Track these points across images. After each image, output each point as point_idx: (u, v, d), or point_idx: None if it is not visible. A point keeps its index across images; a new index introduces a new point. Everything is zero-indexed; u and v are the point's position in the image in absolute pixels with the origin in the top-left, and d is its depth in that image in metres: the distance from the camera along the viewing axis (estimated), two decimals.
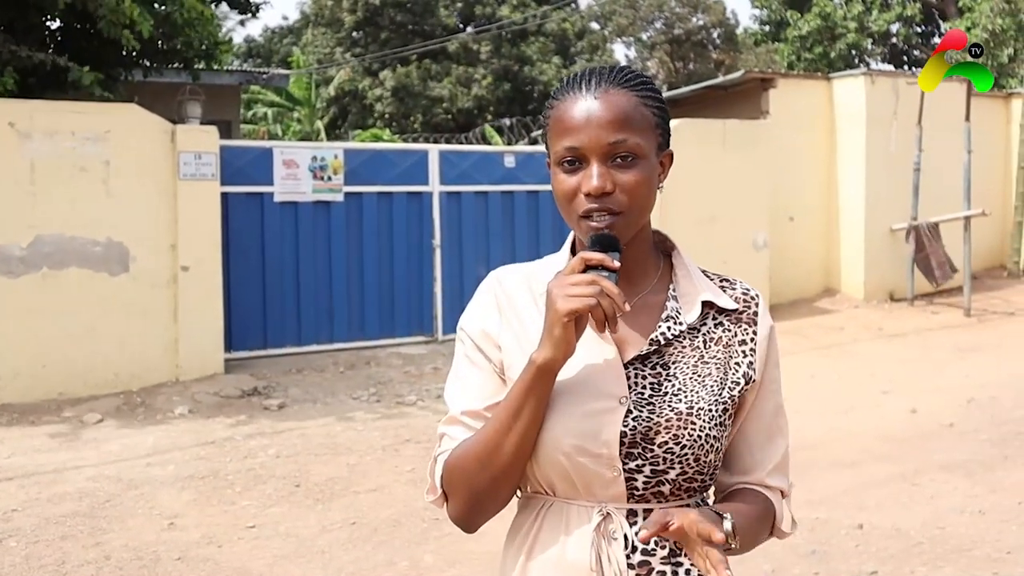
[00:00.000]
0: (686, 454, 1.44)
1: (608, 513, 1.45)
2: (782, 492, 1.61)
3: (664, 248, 1.63)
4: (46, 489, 5.75)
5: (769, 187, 11.69)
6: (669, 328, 1.52)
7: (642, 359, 1.50)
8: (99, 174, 7.99)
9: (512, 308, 1.54)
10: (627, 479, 1.45)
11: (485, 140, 21.07)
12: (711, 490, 1.58)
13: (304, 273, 9.39)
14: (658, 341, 1.50)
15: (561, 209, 1.50)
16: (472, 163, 10.26)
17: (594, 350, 1.48)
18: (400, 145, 13.96)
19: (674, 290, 1.56)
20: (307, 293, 9.42)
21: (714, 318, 1.55)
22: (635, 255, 1.53)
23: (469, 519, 1.51)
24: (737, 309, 1.56)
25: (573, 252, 1.57)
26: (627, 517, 1.46)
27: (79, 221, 7.94)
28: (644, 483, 1.45)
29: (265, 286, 9.22)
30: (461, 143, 18.83)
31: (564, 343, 1.37)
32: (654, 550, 1.45)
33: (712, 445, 1.46)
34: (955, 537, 4.89)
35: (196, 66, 10.48)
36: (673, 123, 8.76)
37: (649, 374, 1.49)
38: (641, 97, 1.48)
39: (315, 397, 8.08)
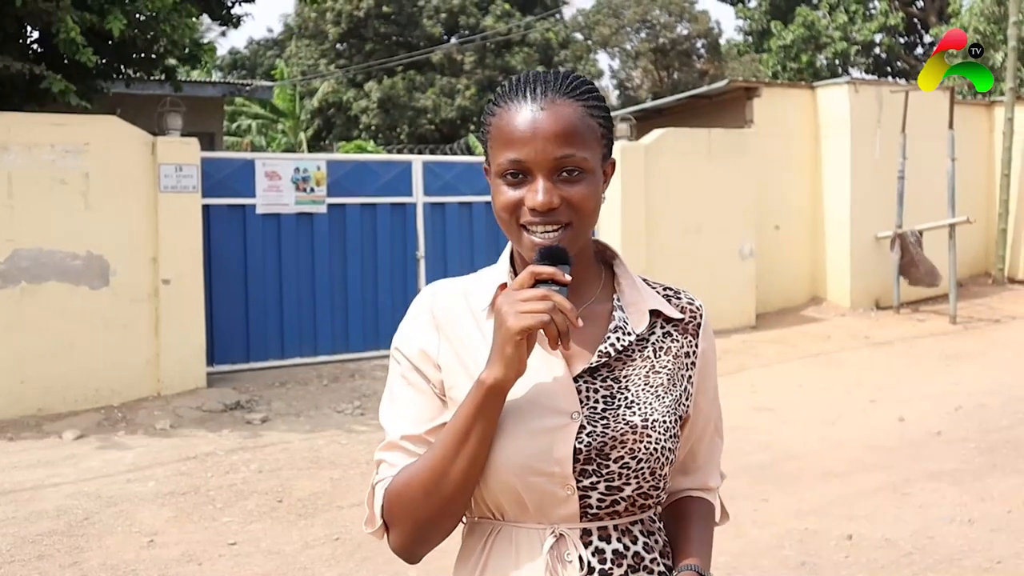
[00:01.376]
0: (642, 468, 1.40)
1: (561, 535, 1.40)
2: (714, 488, 1.64)
3: (604, 257, 1.58)
4: (23, 507, 5.65)
5: (754, 196, 11.68)
6: (619, 339, 1.47)
7: (592, 372, 1.44)
8: (78, 187, 7.90)
9: (451, 325, 1.48)
10: (581, 497, 1.39)
11: (469, 151, 21.06)
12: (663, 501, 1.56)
13: (287, 285, 9.31)
14: (607, 353, 1.45)
15: (500, 221, 1.44)
16: (456, 174, 10.21)
17: (542, 365, 1.42)
18: (383, 156, 13.91)
19: (619, 300, 1.52)
20: (290, 305, 9.34)
21: (662, 327, 1.52)
22: (578, 266, 1.48)
23: (412, 550, 1.44)
24: (683, 319, 1.54)
25: (512, 265, 1.51)
26: (581, 537, 1.40)
27: (58, 234, 7.84)
28: (599, 500, 1.40)
29: (248, 299, 9.13)
30: (445, 154, 18.80)
31: (516, 361, 1.32)
32: (611, 569, 1.40)
33: (667, 457, 1.43)
34: (945, 547, 4.85)
35: (177, 72, 10.39)
36: (657, 132, 8.78)
37: (601, 387, 1.44)
38: (587, 107, 1.43)
39: (298, 411, 7.99)
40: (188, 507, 5.66)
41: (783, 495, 5.71)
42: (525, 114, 1.39)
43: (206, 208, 8.70)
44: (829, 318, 12.16)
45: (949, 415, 7.56)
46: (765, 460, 6.45)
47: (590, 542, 1.40)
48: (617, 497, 1.40)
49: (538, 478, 1.38)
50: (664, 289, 1.57)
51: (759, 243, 11.81)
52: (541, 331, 1.30)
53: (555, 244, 1.38)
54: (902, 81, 22.82)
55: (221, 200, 8.90)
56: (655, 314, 1.51)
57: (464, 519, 1.49)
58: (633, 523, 1.44)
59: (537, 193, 1.38)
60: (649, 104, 15.89)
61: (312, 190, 9.35)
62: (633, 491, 1.40)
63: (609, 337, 1.47)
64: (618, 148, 10.66)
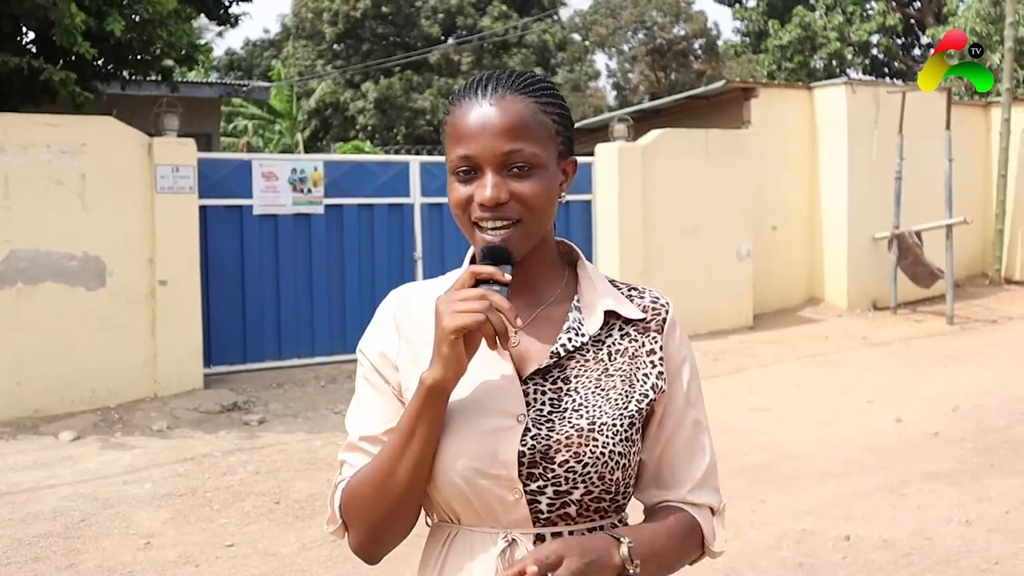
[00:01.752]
0: (589, 472, 1.37)
1: (513, 540, 1.38)
2: (712, 509, 1.52)
3: (570, 258, 1.56)
4: (19, 509, 5.64)
5: (752, 197, 11.68)
6: (570, 340, 1.45)
7: (543, 374, 1.43)
8: (75, 187, 7.89)
9: (411, 327, 1.48)
10: (530, 501, 1.37)
11: None
12: (625, 509, 1.49)
13: (284, 286, 9.30)
14: (558, 354, 1.43)
15: (456, 219, 1.44)
16: None
17: (491, 366, 1.41)
18: (381, 157, 13.91)
19: (578, 301, 1.49)
20: (288, 306, 9.32)
21: (620, 328, 1.48)
22: (537, 266, 1.47)
23: (369, 550, 1.44)
24: (644, 319, 1.49)
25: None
26: (535, 542, 1.38)
27: (55, 235, 7.83)
28: (548, 505, 1.38)
29: (245, 300, 9.12)
30: (443, 154, 18.80)
31: (454, 362, 1.31)
32: None
33: (618, 462, 1.39)
34: (943, 547, 4.85)
35: (174, 73, 10.39)
36: (655, 133, 8.76)
37: (549, 389, 1.42)
38: (540, 103, 1.42)
39: (296, 412, 7.98)
40: (185, 509, 5.65)
41: (781, 496, 5.71)
42: (475, 111, 1.40)
43: (203, 209, 8.69)
44: (826, 319, 12.16)
45: (946, 416, 7.56)
46: (763, 461, 6.45)
47: None
48: (567, 500, 1.37)
49: (485, 481, 1.37)
50: (629, 289, 1.53)
51: (756, 244, 11.81)
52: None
53: (498, 244, 1.37)
54: (899, 82, 22.86)
55: (218, 201, 8.89)
56: (612, 314, 1.48)
57: (428, 522, 1.49)
58: (590, 530, 1.41)
59: (486, 188, 1.37)
60: (646, 105, 15.90)
61: (309, 191, 9.34)
62: (583, 495, 1.38)
63: (560, 338, 1.44)
64: (615, 149, 10.66)
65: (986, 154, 14.77)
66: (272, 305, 9.26)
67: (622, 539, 1.35)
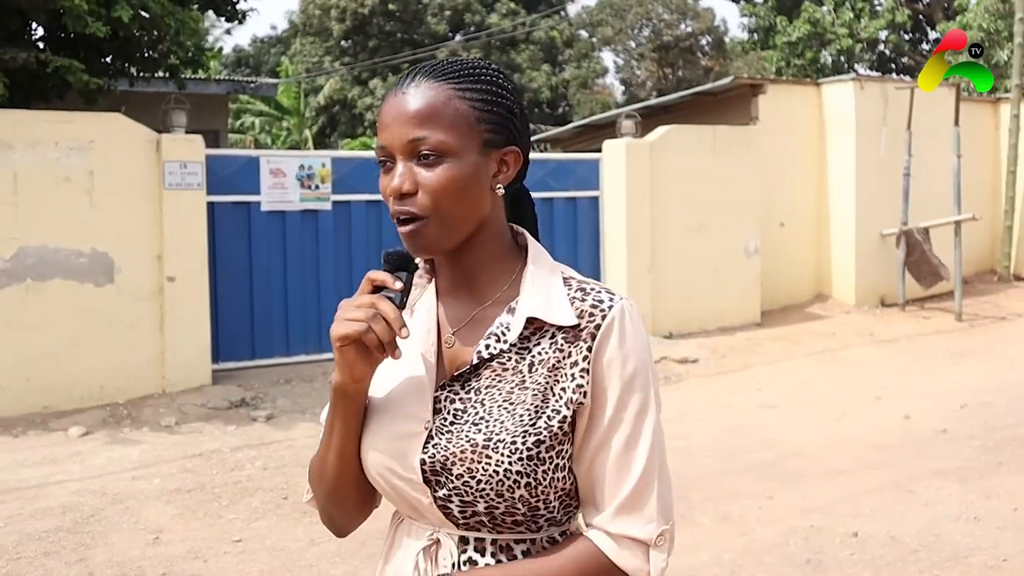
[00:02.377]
0: (484, 489, 1.31)
1: (438, 539, 1.39)
2: (639, 540, 1.33)
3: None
4: (28, 504, 5.66)
5: (759, 193, 11.66)
6: (489, 346, 1.37)
7: (462, 380, 1.38)
8: (83, 184, 7.91)
9: None
10: (442, 507, 1.35)
11: None
12: (571, 522, 1.42)
13: (292, 282, 9.32)
14: (474, 361, 1.38)
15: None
16: None
17: (414, 368, 1.40)
18: None
19: (516, 302, 1.39)
20: (295, 303, 9.34)
21: (551, 336, 1.36)
22: (477, 262, 1.41)
23: (328, 525, 1.52)
24: (577, 325, 1.35)
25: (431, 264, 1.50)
26: (459, 544, 1.37)
27: (63, 232, 7.85)
28: (460, 512, 1.35)
29: (253, 296, 9.13)
30: None
31: (345, 367, 1.32)
32: None
33: (517, 481, 1.30)
34: (951, 544, 4.84)
35: (182, 73, 10.41)
36: (662, 129, 8.75)
37: (459, 398, 1.37)
38: (458, 89, 1.35)
39: (304, 408, 7.99)
40: (193, 504, 5.66)
41: (788, 492, 5.70)
42: (392, 100, 1.37)
43: (211, 205, 8.70)
44: (834, 315, 12.13)
45: (955, 413, 7.55)
46: (770, 458, 6.44)
47: (465, 550, 1.37)
48: (474, 510, 1.33)
49: (399, 482, 1.38)
50: (577, 289, 1.39)
51: (764, 240, 11.79)
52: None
53: (395, 249, 1.35)
54: (907, 78, 22.78)
55: (226, 197, 8.90)
56: (537, 320, 1.37)
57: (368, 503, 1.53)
58: (517, 541, 1.36)
59: (393, 178, 1.35)
60: (654, 101, 15.87)
61: (317, 187, 9.35)
62: (487, 508, 1.32)
63: (480, 344, 1.38)
64: (623, 145, 10.65)
65: (995, 150, 14.71)
66: (280, 301, 9.27)
67: None
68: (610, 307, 1.36)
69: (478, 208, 1.38)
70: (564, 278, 1.42)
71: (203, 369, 8.43)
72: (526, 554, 1.36)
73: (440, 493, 1.35)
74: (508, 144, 1.40)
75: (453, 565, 1.36)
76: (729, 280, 11.28)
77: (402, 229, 1.36)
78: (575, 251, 10.50)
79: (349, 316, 1.30)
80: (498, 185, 1.39)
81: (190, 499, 5.76)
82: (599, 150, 11.02)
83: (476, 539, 1.37)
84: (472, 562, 1.36)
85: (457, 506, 1.35)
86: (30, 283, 7.72)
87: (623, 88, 37.50)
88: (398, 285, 1.32)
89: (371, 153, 12.72)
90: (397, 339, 1.30)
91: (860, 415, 7.62)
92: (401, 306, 1.30)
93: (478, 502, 1.33)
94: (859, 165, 12.45)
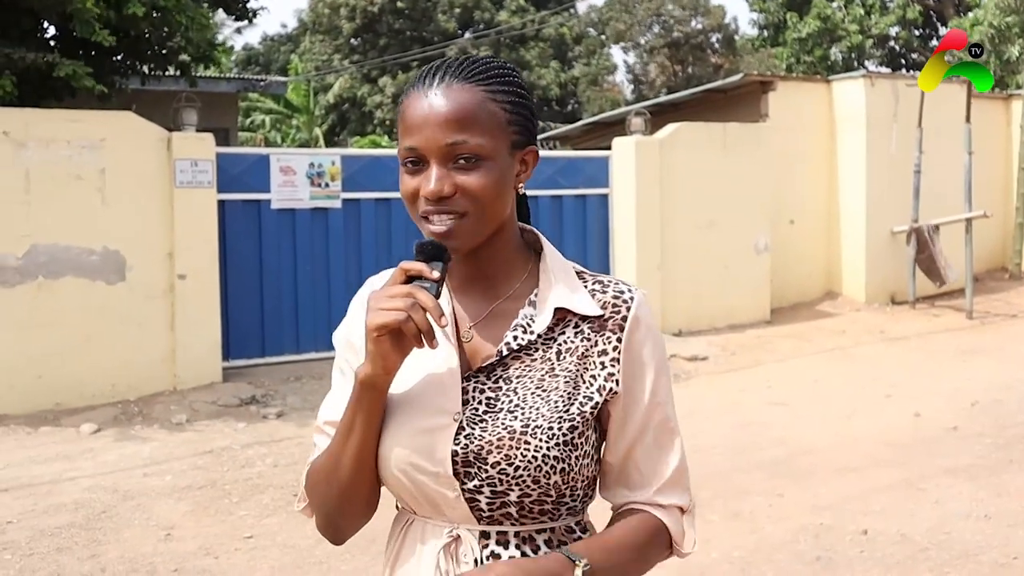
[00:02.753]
0: (522, 475, 1.33)
1: (458, 535, 1.38)
2: (681, 509, 1.47)
3: (537, 248, 1.51)
4: (41, 500, 5.69)
5: (769, 190, 11.64)
6: (516, 337, 1.41)
7: (487, 371, 1.40)
8: (95, 182, 7.94)
9: None
10: (470, 499, 1.36)
11: None
12: (584, 512, 1.46)
13: (302, 280, 9.34)
14: (501, 352, 1.40)
15: (409, 211, 1.42)
16: None
17: (438, 361, 1.40)
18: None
19: (535, 295, 1.44)
20: (305, 300, 9.36)
21: (576, 326, 1.42)
22: (496, 258, 1.44)
23: (329, 532, 1.48)
24: (602, 316, 1.42)
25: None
26: (480, 539, 1.38)
27: (75, 230, 7.88)
28: (488, 504, 1.36)
29: (263, 294, 9.16)
30: None
31: (380, 358, 1.30)
32: None
33: (553, 466, 1.34)
34: (961, 542, 4.83)
35: (193, 71, 10.45)
36: (672, 126, 8.75)
37: (489, 388, 1.39)
38: (489, 92, 1.37)
39: (314, 405, 8.01)
40: (204, 501, 5.69)
41: (798, 490, 5.70)
42: (421, 101, 1.36)
43: (221, 203, 8.73)
44: (844, 313, 12.11)
45: (965, 410, 7.53)
46: (780, 455, 6.44)
47: (487, 545, 1.37)
48: (505, 501, 1.35)
49: (423, 477, 1.37)
50: (595, 282, 1.45)
51: (774, 237, 11.77)
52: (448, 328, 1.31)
53: (429, 239, 1.35)
54: (918, 74, 22.70)
55: (236, 195, 8.92)
56: (564, 311, 1.42)
57: (398, 506, 1.50)
58: (539, 531, 1.39)
59: (430, 181, 1.35)
60: (663, 98, 15.86)
61: (327, 185, 9.37)
62: (520, 497, 1.35)
63: (507, 335, 1.41)
64: (633, 142, 10.64)
65: (1007, 147, 14.66)
66: (290, 299, 9.30)
67: (578, 561, 1.31)
68: (632, 298, 1.43)
69: (506, 208, 1.41)
70: (576, 272, 1.47)
71: (214, 366, 8.46)
72: (548, 543, 1.39)
73: (470, 485, 1.35)
74: (528, 144, 1.43)
75: (476, 561, 1.36)
76: (739, 277, 11.27)
77: (435, 228, 1.36)
78: (584, 249, 10.50)
79: (386, 305, 1.28)
80: (520, 185, 1.43)
81: (201, 496, 5.79)
82: (608, 148, 11.01)
83: (498, 532, 1.38)
84: (495, 555, 1.37)
85: (486, 497, 1.36)
86: (42, 281, 7.76)
87: (632, 85, 37.47)
88: (435, 275, 1.31)
89: (381, 151, 12.77)
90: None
91: (870, 413, 7.61)
92: (436, 296, 1.30)
93: (511, 491, 1.34)
94: (870, 162, 12.42)
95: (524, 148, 1.42)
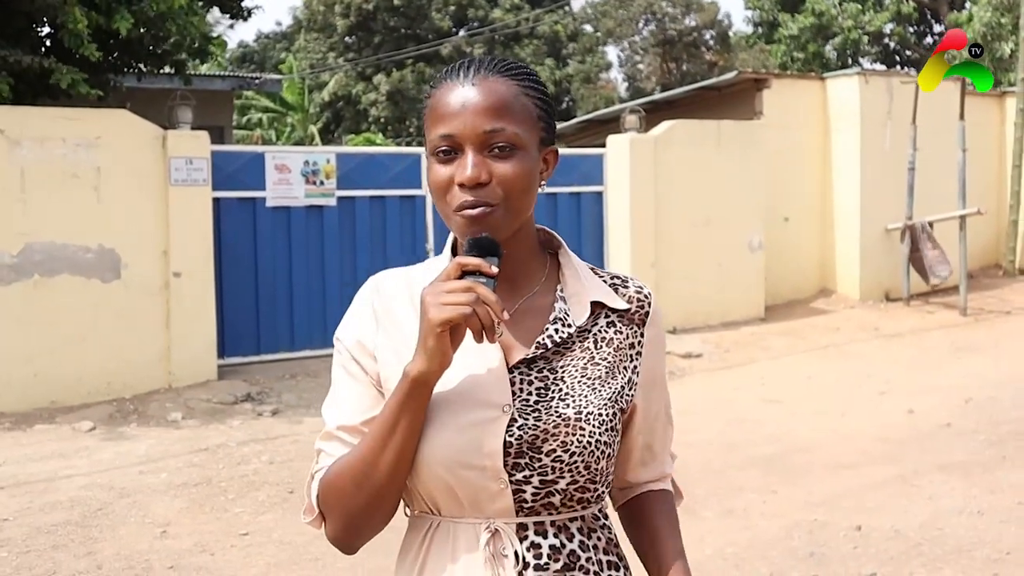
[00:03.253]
0: (575, 461, 1.37)
1: (496, 530, 1.38)
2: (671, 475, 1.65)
3: (551, 246, 1.54)
4: (37, 498, 5.70)
5: (764, 188, 11.66)
6: (557, 331, 1.44)
7: (528, 364, 1.42)
8: (90, 180, 7.94)
9: (389, 316, 1.46)
10: (515, 491, 1.37)
11: None
12: (605, 499, 1.49)
13: (297, 278, 9.35)
14: (544, 344, 1.43)
15: (436, 202, 1.42)
16: None
17: (476, 357, 1.39)
18: (393, 149, 13.95)
19: (562, 290, 1.48)
20: (300, 298, 9.37)
21: (606, 317, 1.48)
22: (518, 255, 1.44)
23: (346, 540, 1.43)
24: (629, 309, 1.50)
25: (455, 253, 1.49)
26: (517, 531, 1.38)
27: (70, 228, 7.88)
28: (533, 494, 1.37)
29: (258, 291, 9.17)
30: None
31: (439, 354, 1.29)
32: (547, 564, 1.38)
33: (603, 451, 1.39)
34: (954, 538, 4.86)
35: (187, 67, 10.44)
36: (667, 124, 8.75)
37: (535, 378, 1.41)
38: (522, 86, 1.40)
39: (309, 402, 8.03)
40: (200, 498, 5.70)
41: (792, 487, 5.72)
42: (457, 91, 1.38)
43: (216, 201, 8.74)
44: (838, 310, 12.14)
45: (959, 407, 7.56)
46: (774, 452, 6.46)
47: (526, 536, 1.38)
48: (552, 490, 1.37)
49: (469, 472, 1.36)
50: (612, 278, 1.52)
51: (768, 235, 11.79)
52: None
53: (484, 235, 1.35)
54: (912, 71, 22.73)
55: (231, 193, 8.93)
56: (598, 305, 1.47)
57: (406, 513, 1.48)
58: (572, 520, 1.41)
59: (466, 168, 1.35)
60: (658, 96, 15.87)
61: (322, 183, 9.38)
62: (568, 484, 1.38)
63: (547, 329, 1.43)
64: (627, 140, 10.66)
65: (1000, 144, 14.70)
66: (285, 297, 9.31)
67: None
68: (649, 293, 1.54)
69: (532, 203, 1.43)
70: (590, 268, 1.53)
71: (209, 364, 8.47)
72: (580, 531, 1.42)
73: (518, 476, 1.36)
74: (552, 143, 1.47)
75: (515, 553, 1.37)
76: (733, 275, 11.29)
77: (470, 213, 1.36)
78: (579, 246, 10.51)
79: (449, 301, 1.27)
80: (542, 183, 1.45)
81: (197, 493, 5.79)
82: (603, 145, 11.03)
83: (536, 523, 1.39)
84: (534, 546, 1.38)
85: (533, 488, 1.37)
86: (38, 279, 7.76)
87: (627, 83, 37.48)
88: (495, 270, 1.31)
89: (376, 149, 12.77)
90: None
91: (864, 410, 7.64)
92: (493, 291, 1.30)
93: (562, 478, 1.37)
94: (864, 159, 12.45)
95: (548, 147, 1.46)
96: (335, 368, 1.49)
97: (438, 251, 9.19)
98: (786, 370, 9.27)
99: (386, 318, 1.46)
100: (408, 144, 23.55)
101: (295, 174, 9.26)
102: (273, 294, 9.24)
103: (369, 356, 1.45)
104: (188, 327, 8.33)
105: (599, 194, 10.85)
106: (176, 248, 8.28)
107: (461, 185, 1.36)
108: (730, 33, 35.05)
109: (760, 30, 27.66)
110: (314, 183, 9.34)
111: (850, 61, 24.45)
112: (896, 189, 12.30)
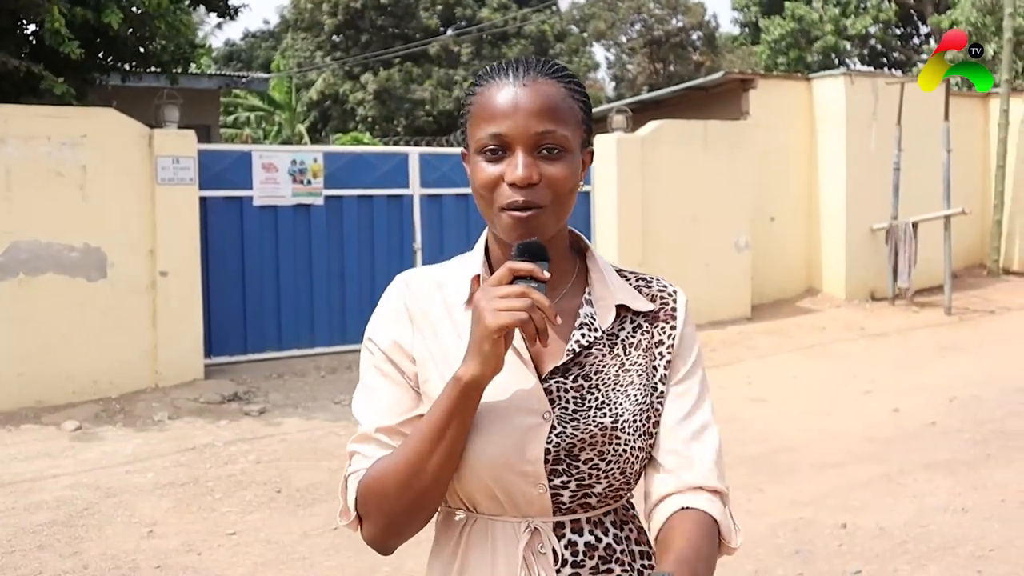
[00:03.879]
0: (611, 468, 1.40)
1: (536, 528, 1.40)
2: (719, 492, 1.45)
3: (579, 247, 1.55)
4: (23, 498, 5.67)
5: (750, 188, 11.70)
6: (584, 335, 1.45)
7: (562, 371, 1.43)
8: (76, 179, 7.91)
9: (424, 317, 1.46)
10: (554, 495, 1.39)
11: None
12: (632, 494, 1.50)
13: (284, 277, 9.33)
14: (574, 350, 1.43)
15: (479, 200, 1.42)
16: (452, 165, 10.22)
17: (512, 364, 1.39)
18: (380, 148, 13.92)
19: (589, 294, 1.49)
20: (288, 297, 9.35)
21: (632, 320, 1.49)
22: (553, 257, 1.44)
23: (386, 542, 1.43)
24: (653, 309, 1.50)
25: (487, 253, 1.50)
26: (554, 530, 1.40)
27: (56, 227, 7.85)
28: (570, 497, 1.40)
29: (245, 291, 9.15)
30: (443, 146, 18.80)
31: (494, 359, 1.30)
32: (583, 561, 1.40)
33: (637, 456, 1.42)
34: (939, 536, 4.89)
35: (173, 69, 10.41)
36: (654, 124, 8.77)
37: (571, 387, 1.42)
38: (568, 89, 1.42)
39: (296, 402, 8.02)
40: (187, 498, 5.68)
41: (778, 485, 5.75)
42: (507, 90, 1.39)
43: (203, 200, 8.72)
44: (824, 309, 12.19)
45: (944, 406, 7.60)
46: (760, 451, 6.49)
47: (563, 535, 1.40)
48: (588, 492, 1.40)
49: (512, 476, 1.38)
50: (637, 280, 1.53)
51: (755, 235, 11.84)
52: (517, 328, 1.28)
53: (533, 239, 1.36)
54: (898, 72, 22.84)
55: (218, 192, 8.91)
56: (623, 308, 1.48)
57: (438, 510, 1.48)
58: (605, 514, 1.44)
59: (518, 167, 1.36)
60: (645, 96, 15.90)
61: (309, 182, 9.36)
62: (604, 488, 1.41)
63: (575, 334, 1.44)
64: (614, 140, 10.68)
65: (984, 145, 14.78)
66: (272, 296, 9.29)
67: None
68: (675, 290, 1.55)
69: (574, 203, 1.45)
70: (616, 269, 1.55)
71: (195, 363, 8.44)
72: (614, 524, 1.45)
73: (556, 481, 1.39)
74: (589, 144, 1.49)
75: (553, 550, 1.39)
76: (720, 274, 11.33)
77: (520, 215, 1.37)
78: None
79: (504, 306, 1.27)
80: (580, 182, 1.46)
81: (184, 493, 5.78)
82: None
83: (572, 521, 1.41)
84: (571, 543, 1.41)
85: (571, 491, 1.39)
86: (23, 278, 7.72)
87: (614, 83, 37.53)
88: (547, 275, 1.32)
89: (364, 148, 12.74)
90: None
91: (850, 409, 7.68)
92: (545, 295, 1.30)
93: (598, 484, 1.40)
94: (849, 160, 12.51)
95: (587, 148, 1.48)
96: (366, 369, 1.48)
97: (426, 250, 9.20)
98: (772, 369, 9.31)
99: (421, 318, 1.46)
100: (396, 143, 23.50)
101: (282, 173, 9.24)
102: (260, 293, 9.22)
103: (407, 357, 1.45)
104: (175, 326, 8.31)
105: (586, 193, 10.86)
106: (163, 247, 8.25)
107: (512, 184, 1.37)
108: (716, 34, 35.13)
109: (746, 31, 27.75)
110: (301, 182, 9.33)
111: (835, 64, 24.53)
112: (881, 189, 12.36)
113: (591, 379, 1.43)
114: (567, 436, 1.39)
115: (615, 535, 1.44)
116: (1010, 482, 5.71)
